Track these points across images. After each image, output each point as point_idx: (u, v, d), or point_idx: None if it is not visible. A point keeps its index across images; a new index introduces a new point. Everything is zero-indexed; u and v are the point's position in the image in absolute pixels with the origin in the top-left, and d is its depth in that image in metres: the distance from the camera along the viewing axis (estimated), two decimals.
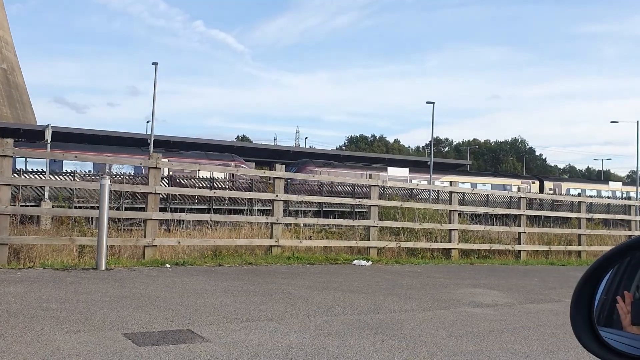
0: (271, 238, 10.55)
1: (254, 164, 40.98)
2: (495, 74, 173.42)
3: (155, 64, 36.27)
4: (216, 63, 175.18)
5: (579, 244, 15.00)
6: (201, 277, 7.90)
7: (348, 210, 29.02)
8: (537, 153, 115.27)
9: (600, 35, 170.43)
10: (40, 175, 25.12)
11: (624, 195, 50.02)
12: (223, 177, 30.62)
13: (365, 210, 14.85)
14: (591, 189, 54.31)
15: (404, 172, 43.66)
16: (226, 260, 9.69)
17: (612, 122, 46.34)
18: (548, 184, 52.14)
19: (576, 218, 15.62)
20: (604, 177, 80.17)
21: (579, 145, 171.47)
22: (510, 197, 26.39)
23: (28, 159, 28.29)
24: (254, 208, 23.11)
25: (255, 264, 9.57)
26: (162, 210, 16.39)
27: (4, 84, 65.77)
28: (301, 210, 27.06)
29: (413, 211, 13.94)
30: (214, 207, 26.72)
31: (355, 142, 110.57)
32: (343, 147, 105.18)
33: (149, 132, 38.74)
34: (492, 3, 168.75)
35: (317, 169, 37.12)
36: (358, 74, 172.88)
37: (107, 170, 27.44)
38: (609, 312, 1.36)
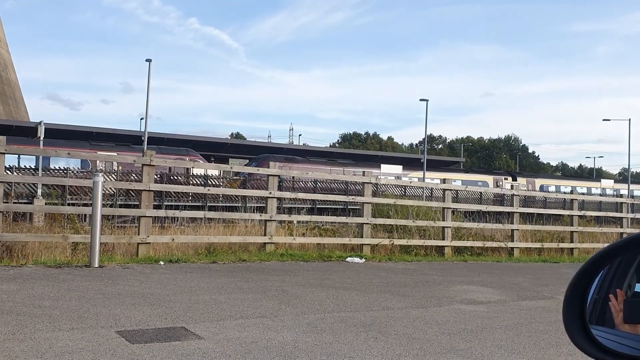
0: (265, 235, 10.55)
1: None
2: (488, 71, 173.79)
3: (149, 60, 36.10)
4: (210, 60, 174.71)
5: (571, 242, 15.09)
6: (195, 274, 7.89)
7: (341, 207, 29.05)
8: (530, 150, 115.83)
9: (593, 33, 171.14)
10: (33, 172, 25.00)
11: (615, 193, 50.07)
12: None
13: (358, 207, 14.87)
14: (566, 185, 53.91)
15: (397, 169, 43.71)
16: (220, 257, 9.68)
17: (604, 119, 46.92)
18: (521, 180, 51.41)
19: (568, 215, 15.70)
20: (595, 174, 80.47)
21: (572, 143, 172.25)
22: (504, 194, 26.48)
23: (21, 156, 28.18)
24: (247, 205, 23.08)
25: (249, 261, 9.58)
26: (157, 207, 16.36)
27: None
28: (295, 207, 27.07)
29: (406, 208, 13.96)
30: (208, 204, 26.66)
31: (349, 139, 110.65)
32: (337, 145, 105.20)
33: (142, 130, 38.62)
34: (485, 0, 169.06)
35: (278, 164, 36.74)
36: (352, 71, 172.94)
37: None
38: (601, 311, 1.37)
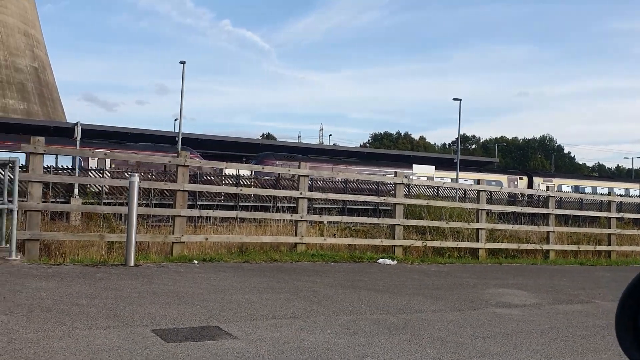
0: (296, 235, 10.57)
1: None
2: (522, 71, 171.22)
3: (183, 62, 36.58)
4: (242, 62, 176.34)
5: (609, 244, 14.72)
6: (228, 273, 7.96)
7: (372, 207, 28.93)
8: (566, 151, 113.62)
9: (631, 32, 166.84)
10: (69, 172, 25.57)
11: None
12: (248, 175, 30.76)
13: (389, 208, 14.80)
14: (586, 185, 51.91)
15: (429, 169, 43.27)
16: (252, 256, 9.75)
17: None
18: (537, 180, 49.56)
19: (605, 217, 15.33)
20: (634, 175, 78.33)
21: (609, 144, 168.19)
22: (539, 195, 26.02)
23: (58, 156, 28.85)
24: (278, 205, 23.20)
25: (280, 261, 9.62)
26: (190, 207, 16.55)
27: (35, 82, 67.09)
28: (325, 207, 27.06)
29: (439, 210, 13.82)
30: (239, 203, 26.87)
31: (379, 139, 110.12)
32: (367, 145, 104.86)
33: (176, 130, 39.11)
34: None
35: (277, 162, 36.34)
36: (382, 71, 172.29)
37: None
38: None
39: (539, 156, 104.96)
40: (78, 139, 25.00)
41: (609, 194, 19.74)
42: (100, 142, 32.39)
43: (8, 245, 8.17)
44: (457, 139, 44.52)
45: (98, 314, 5.02)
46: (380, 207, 27.77)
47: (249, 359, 3.98)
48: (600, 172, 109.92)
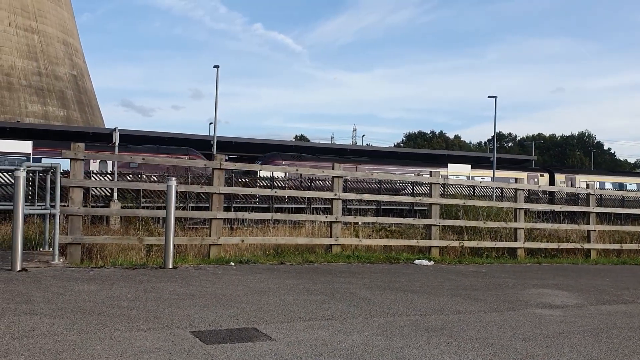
0: (331, 237, 10.57)
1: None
2: (558, 65, 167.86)
3: (216, 67, 37.03)
4: (275, 64, 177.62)
5: None
6: (264, 275, 8.01)
7: (407, 208, 28.76)
8: (606, 147, 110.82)
9: None
10: (109, 177, 26.13)
11: None
12: (283, 177, 30.95)
13: (425, 208, 14.65)
14: (613, 181, 49.92)
15: (465, 168, 42.77)
16: (287, 258, 9.78)
17: None
18: (560, 177, 47.88)
19: None
20: None
21: None
22: (578, 194, 25.45)
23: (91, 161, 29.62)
24: (312, 207, 23.25)
25: (315, 262, 9.63)
26: (226, 209, 16.74)
27: (74, 89, 68.85)
28: (361, 208, 26.99)
29: (476, 209, 13.63)
30: (274, 205, 27.05)
31: (413, 138, 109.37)
32: (401, 144, 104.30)
33: (211, 134, 39.58)
34: None
35: (283, 162, 36.12)
36: (415, 69, 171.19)
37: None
38: None
39: (577, 153, 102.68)
40: (117, 144, 25.50)
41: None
42: (136, 147, 33.07)
43: (51, 249, 8.40)
44: (493, 137, 43.89)
45: (138, 316, 5.11)
46: (415, 207, 27.61)
47: None
48: None
